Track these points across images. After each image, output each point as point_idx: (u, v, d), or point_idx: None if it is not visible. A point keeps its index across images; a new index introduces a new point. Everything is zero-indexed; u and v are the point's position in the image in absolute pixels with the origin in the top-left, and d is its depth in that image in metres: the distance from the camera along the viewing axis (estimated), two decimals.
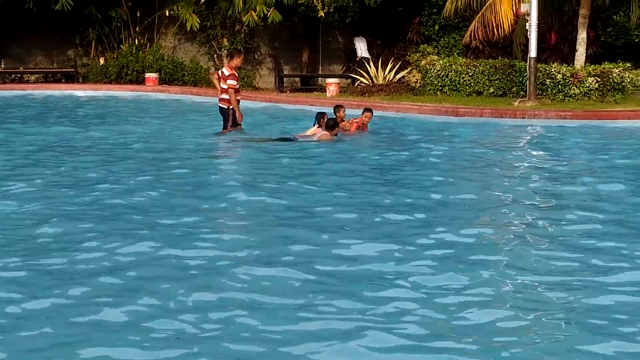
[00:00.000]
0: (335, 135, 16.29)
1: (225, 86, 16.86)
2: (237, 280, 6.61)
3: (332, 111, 17.52)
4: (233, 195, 10.20)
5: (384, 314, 5.89)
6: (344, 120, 17.51)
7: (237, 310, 5.92)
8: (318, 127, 16.48)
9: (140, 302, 6.09)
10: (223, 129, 17.17)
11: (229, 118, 16.97)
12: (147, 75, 29.85)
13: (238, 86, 17.17)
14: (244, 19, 29.34)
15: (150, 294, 6.25)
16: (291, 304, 6.08)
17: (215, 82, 17.64)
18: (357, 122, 17.49)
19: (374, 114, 17.91)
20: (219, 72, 17.58)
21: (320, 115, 16.83)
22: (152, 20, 31.97)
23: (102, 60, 31.35)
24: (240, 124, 17.15)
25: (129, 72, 30.37)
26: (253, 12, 28.72)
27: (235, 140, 16.32)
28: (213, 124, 18.10)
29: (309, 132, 16.53)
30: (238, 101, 17.04)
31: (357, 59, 29.65)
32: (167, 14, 31.24)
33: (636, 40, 28.72)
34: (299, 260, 7.25)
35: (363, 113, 17.72)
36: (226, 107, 16.98)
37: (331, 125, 16.31)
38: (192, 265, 7.04)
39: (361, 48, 29.66)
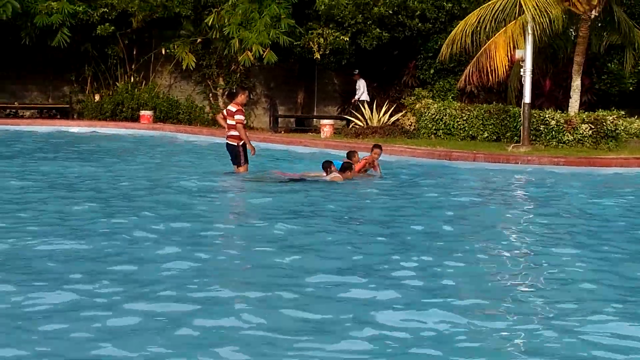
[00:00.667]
0: (350, 178, 16.23)
1: (233, 122, 16.95)
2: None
3: (346, 156, 17.50)
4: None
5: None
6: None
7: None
8: (324, 175, 16.54)
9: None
10: (236, 165, 17.15)
11: (241, 155, 17.01)
12: (142, 112, 29.88)
13: (245, 121, 17.38)
14: (239, 59, 29.37)
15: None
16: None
17: (221, 121, 17.71)
18: (365, 159, 17.34)
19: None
20: (224, 111, 17.70)
21: (327, 164, 16.68)
22: (148, 59, 32.06)
23: (97, 97, 31.40)
24: (247, 161, 17.20)
25: (124, 109, 30.39)
26: (249, 52, 28.75)
27: (246, 180, 16.33)
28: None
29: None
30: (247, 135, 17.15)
31: (354, 101, 29.68)
32: (163, 52, 31.33)
33: (630, 88, 28.84)
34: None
35: (372, 150, 17.46)
36: (235, 144, 17.02)
37: (345, 167, 16.34)
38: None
39: (362, 90, 29.75)
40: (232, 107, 17.22)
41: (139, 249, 9.19)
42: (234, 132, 17.02)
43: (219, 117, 18.16)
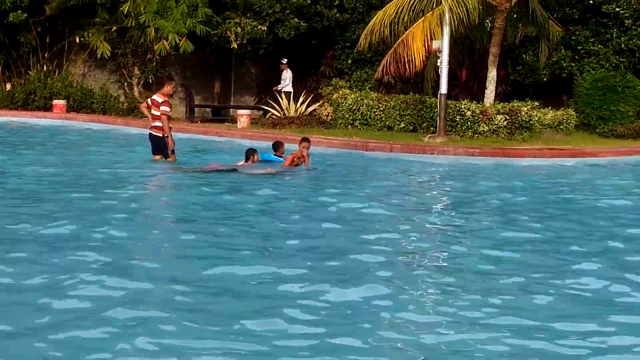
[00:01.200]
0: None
1: (157, 113, 16.82)
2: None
3: (272, 147, 17.53)
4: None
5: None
6: (282, 156, 17.38)
7: None
8: (245, 163, 16.49)
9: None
10: (159, 156, 16.99)
11: (167, 145, 16.89)
12: (55, 102, 29.33)
13: (170, 112, 17.20)
14: (155, 48, 28.97)
15: None
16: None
17: (145, 110, 17.61)
18: (293, 154, 17.03)
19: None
20: (149, 100, 17.50)
21: (251, 152, 16.76)
22: (62, 47, 31.48)
23: (8, 86, 30.70)
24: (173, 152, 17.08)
25: (37, 98, 29.77)
26: (165, 41, 28.37)
27: (175, 170, 16.11)
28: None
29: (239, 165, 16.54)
30: (170, 128, 17.00)
31: (275, 89, 29.23)
32: (77, 40, 30.75)
33: (544, 79, 29.21)
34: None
35: (300, 144, 17.10)
36: (160, 134, 16.93)
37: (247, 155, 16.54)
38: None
39: (287, 81, 29.29)
40: (157, 98, 17.05)
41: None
42: (158, 123, 16.89)
43: (143, 107, 18.05)
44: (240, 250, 8.83)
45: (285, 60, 29.41)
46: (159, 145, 16.98)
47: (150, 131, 17.12)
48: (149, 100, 17.58)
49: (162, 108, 16.77)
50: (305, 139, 17.33)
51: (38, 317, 6.31)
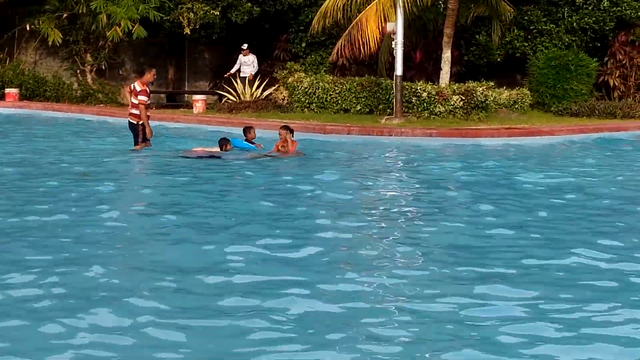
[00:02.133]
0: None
1: (135, 101, 16.90)
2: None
3: (242, 132, 17.52)
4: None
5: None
6: (254, 142, 17.38)
7: None
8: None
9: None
10: (135, 144, 17.08)
11: (140, 133, 16.96)
12: (7, 90, 29.00)
13: (149, 102, 17.26)
14: (107, 35, 28.70)
15: None
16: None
17: (128, 95, 17.72)
18: (276, 144, 16.71)
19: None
20: (131, 86, 17.52)
21: (224, 142, 16.83)
22: (12, 35, 31.10)
23: None
24: (149, 140, 17.14)
25: None
26: (117, 27, 28.13)
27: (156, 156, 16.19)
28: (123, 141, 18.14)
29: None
30: (148, 117, 17.10)
31: (229, 75, 28.90)
32: (27, 28, 30.37)
33: (498, 59, 29.34)
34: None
35: (279, 132, 16.77)
36: (136, 122, 17.00)
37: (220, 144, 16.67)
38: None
39: (254, 65, 28.84)
40: (137, 86, 17.10)
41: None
42: (135, 111, 16.99)
43: (126, 91, 18.35)
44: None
45: (245, 46, 28.93)
46: (137, 133, 17.05)
47: (129, 119, 17.22)
48: (131, 86, 17.61)
49: (140, 97, 16.81)
50: (284, 127, 16.97)
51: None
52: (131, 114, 17.10)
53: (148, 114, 17.21)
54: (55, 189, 11.96)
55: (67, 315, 6.11)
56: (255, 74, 28.58)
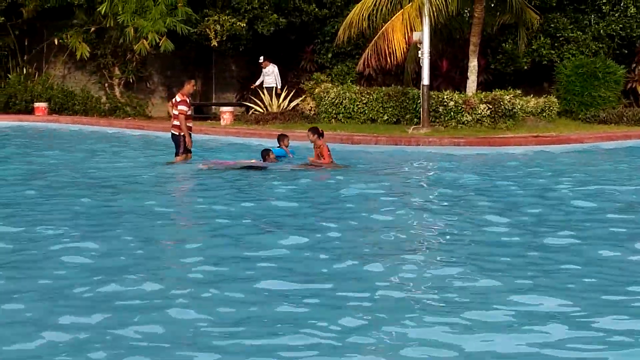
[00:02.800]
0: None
1: (176, 112, 17.08)
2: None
3: (277, 140, 17.77)
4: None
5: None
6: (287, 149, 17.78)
7: None
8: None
9: None
10: (175, 155, 17.30)
11: (180, 144, 17.17)
12: (37, 104, 29.25)
13: (189, 112, 17.40)
14: (135, 48, 28.87)
15: None
16: None
17: (170, 109, 17.82)
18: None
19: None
20: (173, 100, 17.70)
21: (266, 152, 17.03)
22: (41, 49, 31.37)
23: None
24: (190, 151, 17.32)
25: (17, 101, 29.65)
26: (145, 40, 28.27)
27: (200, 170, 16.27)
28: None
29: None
30: (190, 127, 17.29)
31: (254, 87, 28.93)
32: (56, 42, 30.61)
33: (525, 67, 29.29)
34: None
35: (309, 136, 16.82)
36: (177, 133, 17.18)
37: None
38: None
39: (273, 76, 28.89)
40: (177, 97, 17.35)
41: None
42: (177, 122, 17.19)
43: (169, 106, 18.40)
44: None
45: (262, 58, 28.90)
46: (177, 144, 17.28)
47: (172, 130, 17.44)
48: (173, 100, 17.81)
49: (180, 108, 17.03)
50: (311, 130, 16.89)
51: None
52: (173, 126, 17.32)
53: (189, 124, 17.38)
54: (95, 202, 11.97)
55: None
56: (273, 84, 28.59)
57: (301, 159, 17.17)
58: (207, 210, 11.47)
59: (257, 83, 28.87)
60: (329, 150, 16.57)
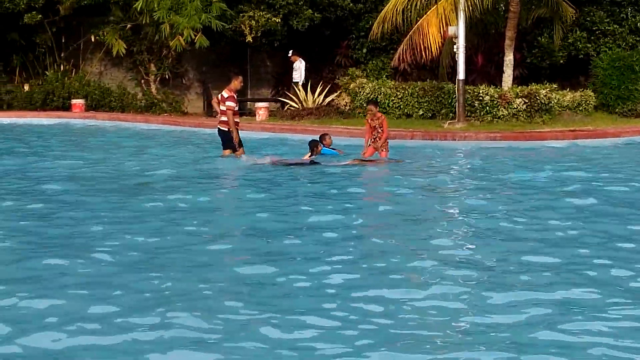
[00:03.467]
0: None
1: (223, 108, 17.28)
2: None
3: (319, 139, 17.94)
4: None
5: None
6: (334, 148, 18.02)
7: None
8: (311, 155, 17.02)
9: None
10: (229, 150, 17.47)
11: (230, 140, 17.36)
12: (74, 101, 29.47)
13: (236, 108, 17.59)
14: (171, 44, 28.98)
15: None
16: None
17: (216, 105, 18.08)
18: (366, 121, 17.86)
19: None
20: (219, 96, 17.99)
21: (314, 144, 17.36)
22: (78, 46, 31.58)
23: (26, 87, 30.83)
24: (242, 145, 17.49)
25: (55, 98, 29.91)
26: (180, 37, 28.36)
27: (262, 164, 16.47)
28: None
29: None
30: (237, 123, 17.42)
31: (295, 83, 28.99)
32: (92, 39, 30.81)
33: (561, 61, 29.12)
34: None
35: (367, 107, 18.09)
36: (226, 129, 17.39)
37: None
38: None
39: (300, 71, 29.00)
40: (224, 93, 17.56)
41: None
42: (224, 118, 17.34)
43: (214, 102, 18.62)
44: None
45: (290, 52, 28.93)
46: (226, 140, 17.44)
47: (218, 126, 17.65)
48: (218, 95, 18.08)
49: (227, 104, 17.24)
50: (372, 102, 18.51)
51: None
52: (221, 122, 17.50)
53: (237, 120, 17.51)
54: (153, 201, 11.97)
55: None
56: (307, 79, 28.56)
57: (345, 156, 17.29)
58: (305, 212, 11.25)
59: (297, 79, 28.82)
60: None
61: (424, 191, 12.91)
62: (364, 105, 25.87)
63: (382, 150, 17.42)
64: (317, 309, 6.61)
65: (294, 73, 28.88)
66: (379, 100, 25.69)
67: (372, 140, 17.53)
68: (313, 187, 13.63)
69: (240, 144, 17.41)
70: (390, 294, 6.98)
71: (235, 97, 17.49)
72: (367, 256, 8.41)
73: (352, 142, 20.94)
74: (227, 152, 17.46)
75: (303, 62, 28.75)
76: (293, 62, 28.90)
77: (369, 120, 17.56)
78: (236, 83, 17.62)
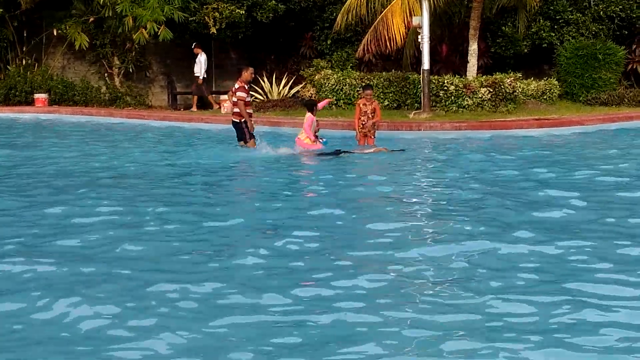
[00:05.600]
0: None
1: (235, 99, 17.40)
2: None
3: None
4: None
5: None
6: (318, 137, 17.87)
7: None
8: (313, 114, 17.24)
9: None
10: (239, 141, 17.60)
11: (244, 130, 17.43)
12: (37, 96, 29.22)
13: (248, 99, 17.69)
14: (134, 37, 28.75)
15: None
16: None
17: (229, 98, 18.30)
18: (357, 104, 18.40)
19: None
20: (232, 88, 18.01)
21: (311, 102, 17.97)
22: (40, 40, 31.27)
23: None
24: (254, 136, 17.48)
25: (17, 93, 29.62)
26: (143, 30, 28.17)
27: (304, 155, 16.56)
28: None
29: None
30: (250, 114, 17.57)
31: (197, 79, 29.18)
32: (55, 33, 30.51)
33: (525, 50, 29.23)
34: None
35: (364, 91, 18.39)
36: (238, 120, 17.50)
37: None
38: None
39: (200, 65, 29.00)
40: (236, 84, 17.62)
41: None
42: (237, 109, 17.48)
43: (229, 95, 18.88)
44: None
45: (194, 44, 28.97)
46: (238, 131, 17.54)
47: (232, 118, 17.76)
48: (232, 88, 18.09)
49: (238, 94, 17.33)
50: (368, 86, 18.87)
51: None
52: (234, 113, 17.62)
53: (249, 110, 17.61)
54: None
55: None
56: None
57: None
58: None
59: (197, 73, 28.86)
60: None
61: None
62: (329, 96, 25.89)
63: (371, 137, 17.91)
64: None
65: (195, 66, 28.79)
66: (344, 91, 25.75)
67: (362, 125, 17.86)
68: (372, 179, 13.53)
69: (252, 135, 17.42)
70: None
71: (247, 87, 17.56)
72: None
73: (321, 134, 20.95)
74: (242, 143, 17.53)
75: (204, 56, 28.74)
76: (196, 55, 28.81)
77: (361, 105, 17.92)
78: (247, 74, 17.65)
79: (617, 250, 7.97)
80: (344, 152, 16.43)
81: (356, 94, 25.85)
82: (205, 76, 29.09)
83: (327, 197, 11.45)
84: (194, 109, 28.63)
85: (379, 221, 9.47)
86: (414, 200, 11.30)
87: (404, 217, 9.91)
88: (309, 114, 17.07)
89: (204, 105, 29.27)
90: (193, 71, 29.37)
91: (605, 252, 7.88)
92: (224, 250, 8.12)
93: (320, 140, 17.25)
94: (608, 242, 8.27)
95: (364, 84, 25.67)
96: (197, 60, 29.13)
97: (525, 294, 6.59)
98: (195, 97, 29.16)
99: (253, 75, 18.38)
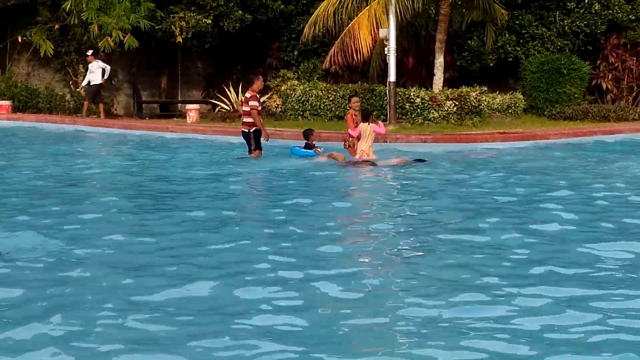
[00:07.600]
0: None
1: (247, 109, 17.25)
2: None
3: (303, 136, 18.52)
4: None
5: None
6: (315, 145, 18.23)
7: None
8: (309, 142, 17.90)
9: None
10: (249, 152, 17.45)
11: (252, 140, 17.32)
12: (0, 102, 28.90)
13: (260, 108, 17.64)
14: (99, 45, 28.57)
15: None
16: None
17: (239, 108, 18.06)
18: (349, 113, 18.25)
19: None
20: (243, 97, 18.14)
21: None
22: (4, 47, 31.01)
23: None
24: (261, 148, 17.46)
25: None
26: (109, 37, 28.00)
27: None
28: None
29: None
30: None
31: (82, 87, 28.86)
32: (19, 40, 30.27)
33: (491, 64, 29.39)
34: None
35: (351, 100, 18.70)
36: (247, 130, 17.35)
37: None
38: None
39: (96, 73, 28.25)
40: (247, 94, 17.51)
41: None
42: (247, 119, 17.36)
43: (239, 106, 18.68)
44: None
45: (90, 52, 28.50)
46: (247, 141, 17.44)
47: (242, 128, 17.64)
48: (242, 97, 18.21)
49: (251, 103, 17.19)
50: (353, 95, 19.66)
51: None
52: (244, 123, 17.49)
53: (249, 119, 17.46)
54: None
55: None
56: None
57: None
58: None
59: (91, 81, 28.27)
60: None
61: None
62: (295, 107, 25.86)
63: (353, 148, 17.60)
64: None
65: (88, 74, 28.30)
66: (310, 102, 25.75)
67: (349, 136, 17.77)
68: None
69: (259, 146, 17.34)
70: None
71: (258, 96, 17.52)
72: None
73: (285, 144, 20.89)
74: (254, 154, 17.38)
75: (98, 63, 28.09)
76: (89, 63, 28.31)
77: (353, 116, 17.83)
78: (258, 84, 17.60)
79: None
80: (372, 163, 16.51)
81: (322, 104, 25.86)
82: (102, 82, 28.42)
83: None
84: (85, 114, 27.97)
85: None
86: (372, 216, 11.27)
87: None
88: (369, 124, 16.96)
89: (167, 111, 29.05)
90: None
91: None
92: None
93: (320, 150, 17.82)
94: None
95: (330, 95, 25.80)
96: (90, 68, 28.25)
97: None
98: (87, 103, 28.31)
99: (264, 84, 18.41)
